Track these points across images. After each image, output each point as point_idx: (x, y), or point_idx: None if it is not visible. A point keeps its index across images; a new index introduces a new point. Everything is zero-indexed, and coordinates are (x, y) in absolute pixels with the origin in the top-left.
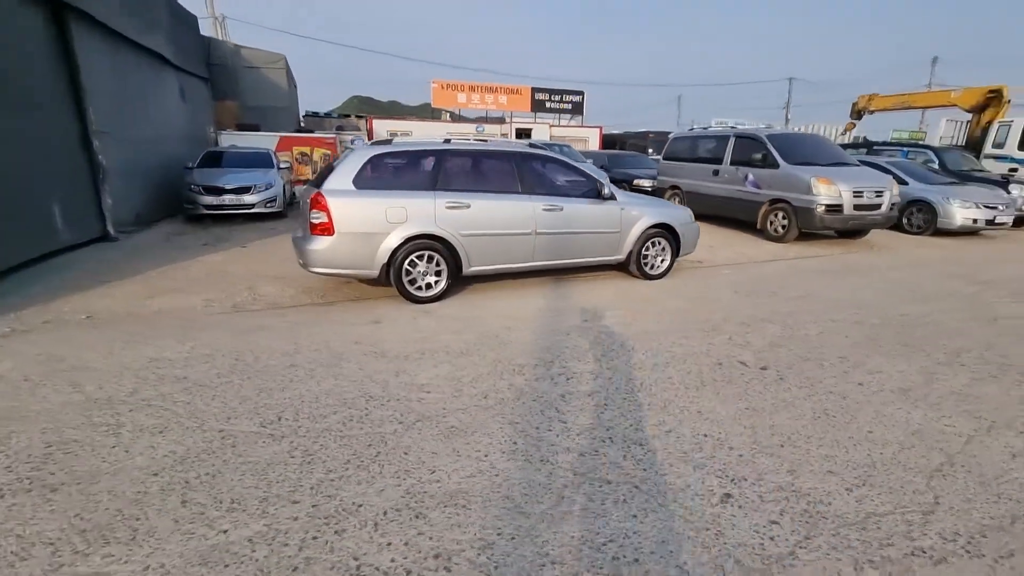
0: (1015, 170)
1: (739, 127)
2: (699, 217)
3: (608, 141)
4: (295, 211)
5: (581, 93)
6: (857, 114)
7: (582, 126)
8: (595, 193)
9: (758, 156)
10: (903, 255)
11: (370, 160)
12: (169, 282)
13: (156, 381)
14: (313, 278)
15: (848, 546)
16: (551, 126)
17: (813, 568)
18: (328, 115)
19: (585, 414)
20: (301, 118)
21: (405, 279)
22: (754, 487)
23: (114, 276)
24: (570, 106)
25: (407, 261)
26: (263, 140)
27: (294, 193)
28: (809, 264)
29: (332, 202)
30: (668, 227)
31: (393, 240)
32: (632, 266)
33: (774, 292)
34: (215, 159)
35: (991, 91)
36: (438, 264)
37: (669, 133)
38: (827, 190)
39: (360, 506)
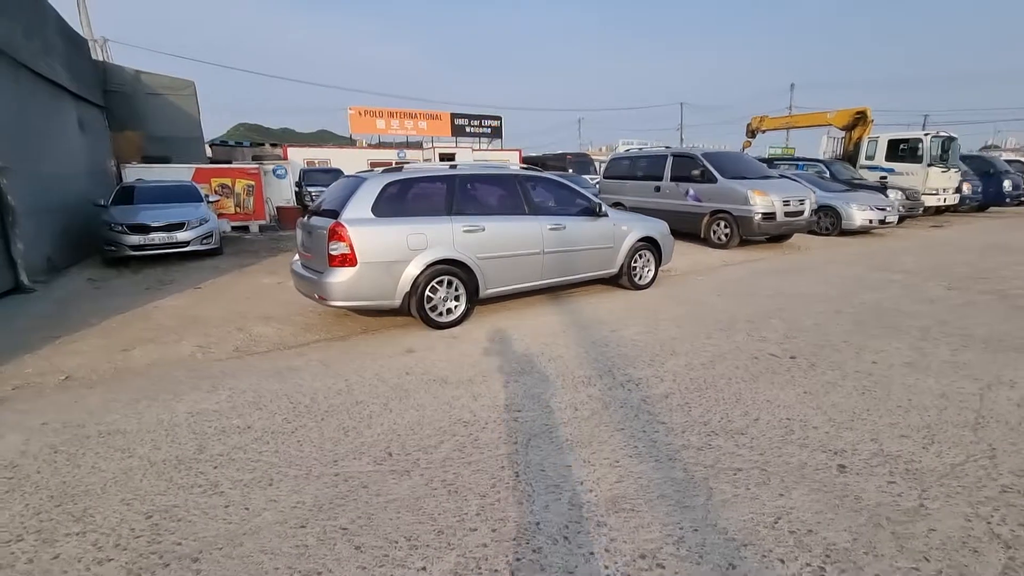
0: (885, 177)
1: (670, 148)
2: None
3: (528, 163)
4: (235, 246)
5: (499, 118)
6: (752, 133)
7: (502, 149)
8: (591, 211)
9: (697, 172)
10: (824, 253)
11: (386, 187)
12: (136, 332)
13: (217, 435)
14: (309, 314)
15: (956, 492)
16: (473, 150)
17: (943, 513)
18: (240, 144)
19: (676, 414)
20: (208, 148)
21: (427, 306)
22: (856, 456)
23: (61, 331)
24: (489, 130)
25: (428, 288)
26: (177, 172)
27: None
28: (760, 267)
29: (353, 232)
30: (652, 240)
31: (415, 267)
32: (623, 278)
33: (751, 293)
34: (130, 195)
35: (858, 112)
36: (456, 289)
37: (585, 154)
38: (762, 200)
39: (538, 523)
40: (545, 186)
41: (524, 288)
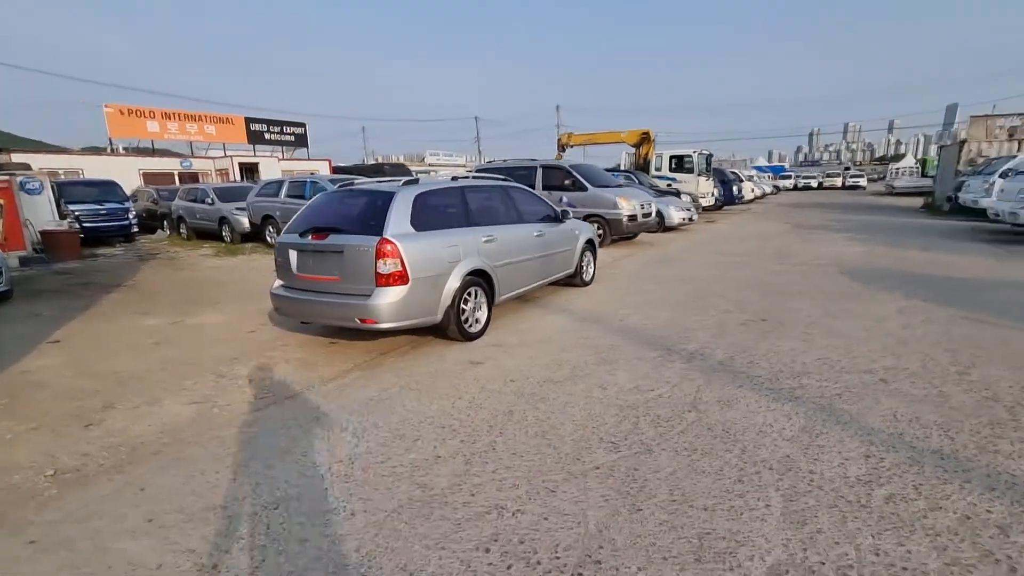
0: (671, 184)
1: (537, 160)
2: None
3: (339, 171)
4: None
5: (303, 125)
6: (562, 147)
7: (310, 159)
8: (556, 217)
9: (568, 182)
10: (668, 247)
11: (417, 199)
12: (60, 403)
13: (416, 470)
14: (282, 348)
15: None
16: (280, 159)
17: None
18: None
19: (739, 358)
20: None
21: (460, 317)
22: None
23: None
24: (292, 138)
25: (461, 299)
26: None
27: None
28: (643, 260)
29: (403, 247)
30: (591, 241)
31: (455, 280)
32: (577, 277)
33: (660, 279)
34: None
35: (643, 133)
36: (478, 297)
37: (403, 165)
38: (627, 205)
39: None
40: (523, 196)
41: (522, 292)
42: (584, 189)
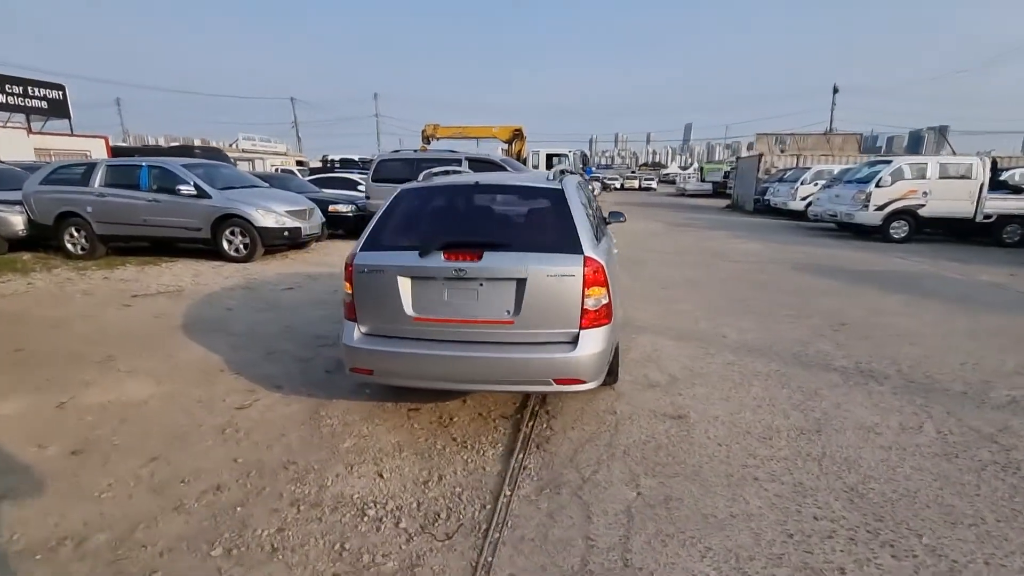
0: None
1: (456, 152)
2: None
3: (122, 152)
4: None
5: (61, 87)
6: (427, 140)
7: (74, 134)
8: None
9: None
10: None
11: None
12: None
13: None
14: (381, 402)
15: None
16: (31, 132)
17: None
18: None
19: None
20: None
21: None
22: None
23: None
24: (44, 103)
25: None
26: None
27: None
28: None
29: (608, 270)
30: None
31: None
32: None
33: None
34: None
35: (515, 129)
36: None
37: (218, 148)
38: None
39: None
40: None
41: None
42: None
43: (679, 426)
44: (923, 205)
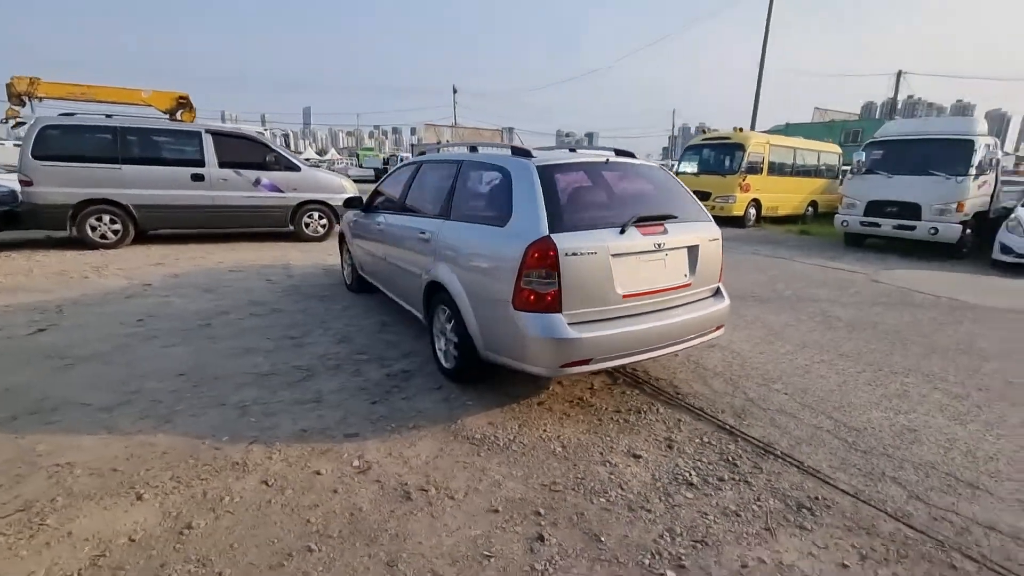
0: None
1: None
2: None
3: None
4: None
5: None
6: (19, 98)
7: None
8: None
9: (270, 158)
10: None
11: None
12: None
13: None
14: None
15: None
16: None
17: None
18: None
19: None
20: None
21: None
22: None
23: None
24: None
25: None
26: None
27: None
28: None
29: None
30: None
31: None
32: None
33: None
34: None
35: (181, 97)
36: None
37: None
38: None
39: None
40: None
41: None
42: (296, 169)
43: None
44: None
